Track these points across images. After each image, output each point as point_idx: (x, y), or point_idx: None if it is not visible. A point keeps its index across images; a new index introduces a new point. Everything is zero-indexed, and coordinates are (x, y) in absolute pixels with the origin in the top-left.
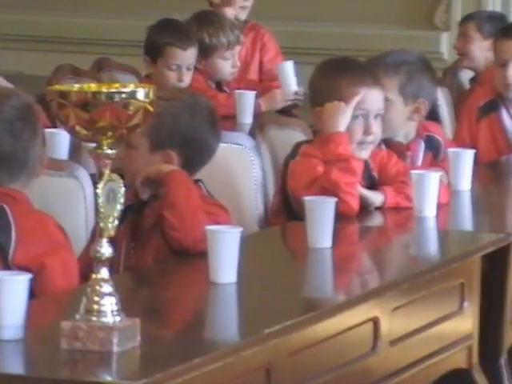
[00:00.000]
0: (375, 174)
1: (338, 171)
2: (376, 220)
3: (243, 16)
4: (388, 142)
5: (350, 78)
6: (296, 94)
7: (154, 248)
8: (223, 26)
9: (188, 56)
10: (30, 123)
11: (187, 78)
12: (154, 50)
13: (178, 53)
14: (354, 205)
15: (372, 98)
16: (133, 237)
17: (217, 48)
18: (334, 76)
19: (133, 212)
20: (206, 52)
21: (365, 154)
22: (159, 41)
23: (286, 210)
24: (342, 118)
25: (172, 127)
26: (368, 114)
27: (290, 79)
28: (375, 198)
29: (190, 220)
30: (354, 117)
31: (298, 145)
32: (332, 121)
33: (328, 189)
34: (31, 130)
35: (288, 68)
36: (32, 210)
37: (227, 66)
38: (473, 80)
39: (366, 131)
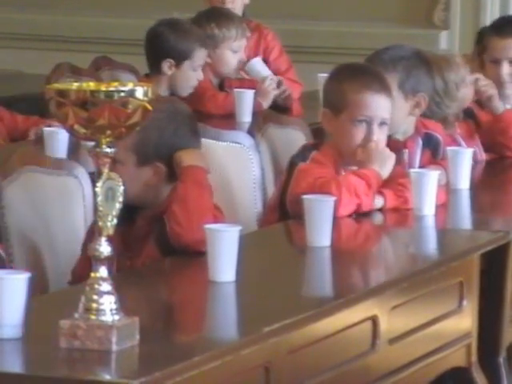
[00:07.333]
0: None
1: (355, 178)
2: (375, 218)
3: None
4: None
5: (354, 83)
6: (279, 82)
7: (149, 257)
8: (232, 17)
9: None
10: None
11: None
12: (182, 54)
13: (204, 53)
14: (342, 212)
15: (376, 104)
16: (126, 247)
17: (226, 38)
18: (340, 80)
19: (123, 223)
20: (215, 43)
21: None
22: (188, 45)
23: (280, 209)
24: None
25: (157, 140)
26: (371, 121)
27: (264, 71)
28: (375, 203)
29: (198, 220)
30: (357, 121)
31: (306, 148)
32: (381, 164)
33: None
34: None
35: (257, 63)
36: None
37: (235, 58)
38: None
39: (367, 138)
